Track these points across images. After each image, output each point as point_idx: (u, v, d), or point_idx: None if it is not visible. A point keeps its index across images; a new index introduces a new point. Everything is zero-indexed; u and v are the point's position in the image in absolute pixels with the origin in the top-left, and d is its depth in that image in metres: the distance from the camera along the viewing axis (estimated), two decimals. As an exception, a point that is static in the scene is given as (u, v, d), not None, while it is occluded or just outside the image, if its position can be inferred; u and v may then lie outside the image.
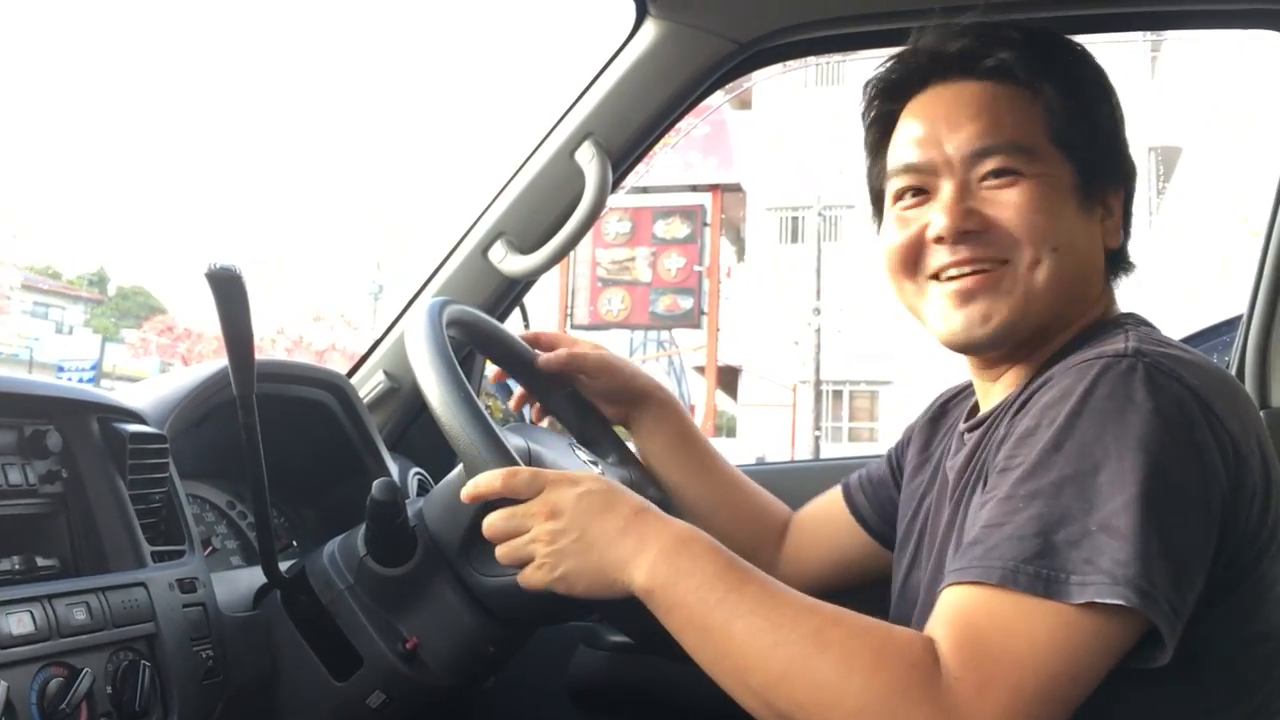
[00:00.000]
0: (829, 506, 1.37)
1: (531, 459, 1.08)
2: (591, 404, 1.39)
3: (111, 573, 0.97)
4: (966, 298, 1.02)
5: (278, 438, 1.10)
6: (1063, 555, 0.81)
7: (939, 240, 1.02)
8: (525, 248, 1.58)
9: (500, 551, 0.99)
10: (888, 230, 1.09)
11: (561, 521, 0.96)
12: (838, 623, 0.85)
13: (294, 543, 1.42)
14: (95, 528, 0.99)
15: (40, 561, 0.94)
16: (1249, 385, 1.57)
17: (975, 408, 1.14)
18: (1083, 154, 1.03)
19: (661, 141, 1.67)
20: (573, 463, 1.18)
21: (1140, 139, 15.42)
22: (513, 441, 1.04)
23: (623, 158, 1.57)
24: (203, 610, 1.04)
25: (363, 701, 1.14)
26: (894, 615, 1.18)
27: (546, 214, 1.57)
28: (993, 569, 0.82)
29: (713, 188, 10.13)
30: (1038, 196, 1.00)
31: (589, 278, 10.00)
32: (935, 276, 1.04)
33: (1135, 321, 1.02)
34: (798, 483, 1.56)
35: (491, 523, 0.99)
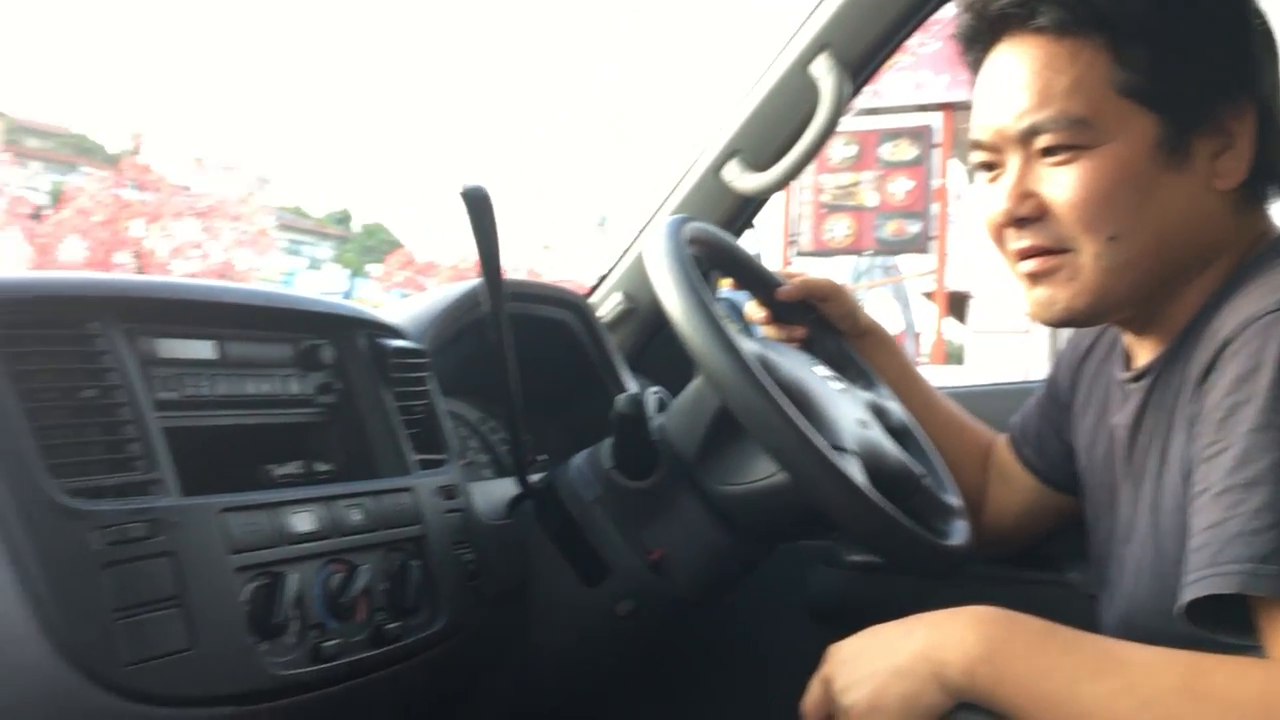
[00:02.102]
0: (1008, 452, 1.32)
1: (768, 367, 1.07)
2: (831, 327, 1.37)
3: (381, 478, 1.03)
4: (1034, 280, 0.96)
5: (522, 356, 1.14)
6: None
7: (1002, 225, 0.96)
8: (759, 165, 1.57)
9: None
10: (979, 205, 1.03)
11: (839, 673, 0.86)
12: (1202, 672, 0.75)
13: (540, 457, 1.48)
14: (365, 436, 1.05)
15: (318, 466, 1.01)
16: None
17: (1128, 353, 1.05)
18: (1171, 100, 0.90)
19: (891, 61, 1.62)
20: (811, 376, 1.17)
21: None
22: (749, 349, 1.04)
23: (858, 71, 1.53)
24: (463, 516, 1.09)
25: (611, 609, 1.17)
26: (1092, 562, 1.12)
27: (780, 130, 1.55)
28: (1231, 576, 0.75)
29: (943, 106, 9.70)
30: (1097, 176, 0.91)
31: (813, 204, 9.81)
32: (1013, 255, 0.98)
33: None
34: (1007, 405, 1.51)
35: None
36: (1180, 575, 0.81)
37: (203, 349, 0.94)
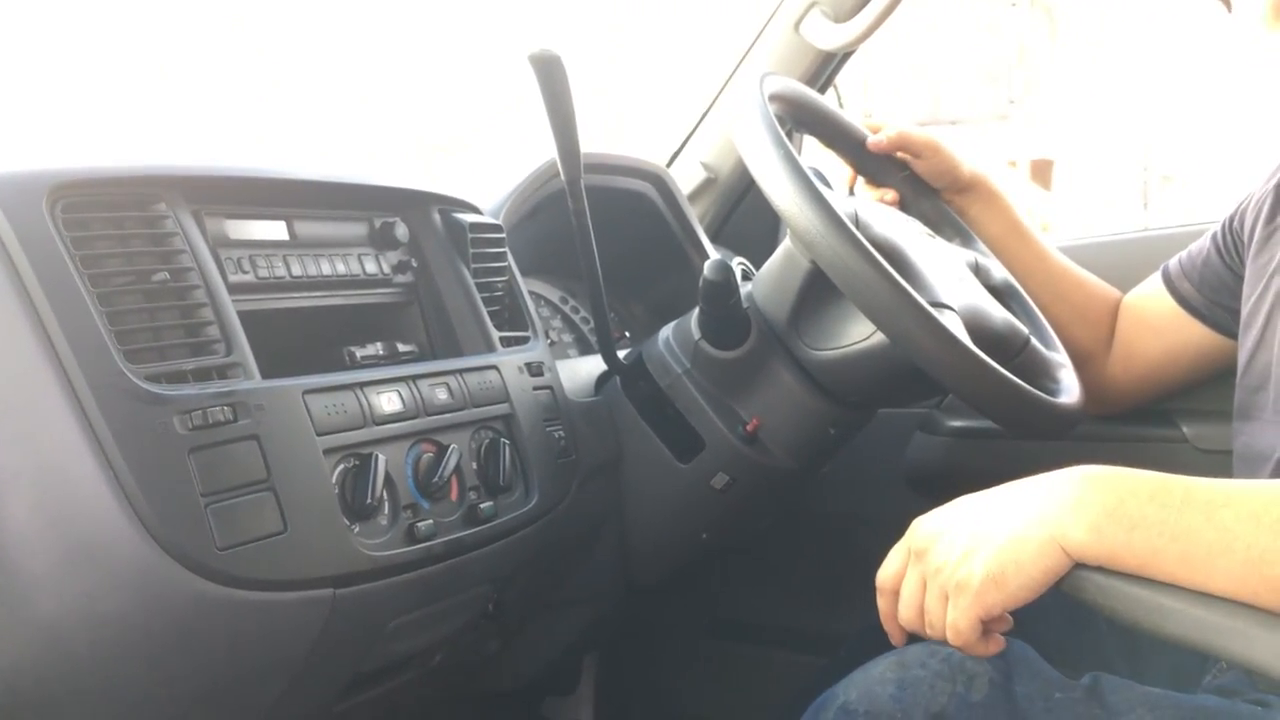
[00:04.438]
0: (1154, 295, 1.27)
1: (860, 224, 1.01)
2: (926, 183, 1.30)
3: (465, 357, 1.00)
4: None
5: (602, 231, 1.09)
6: None
7: None
8: (839, 16, 1.48)
9: (905, 616, 0.80)
10: None
11: (938, 546, 0.78)
12: None
13: (626, 333, 1.44)
14: (446, 314, 1.02)
15: (400, 347, 0.98)
16: None
17: None
18: None
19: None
20: (907, 232, 1.11)
21: None
22: (841, 206, 0.98)
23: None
24: (551, 393, 1.06)
25: (707, 483, 1.14)
26: (1239, 401, 1.08)
27: (863, -24, 1.45)
28: None
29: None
30: None
31: (888, 70, 9.52)
32: None
33: None
34: (1124, 256, 1.43)
35: (882, 595, 0.83)
36: None
37: (274, 229, 0.91)
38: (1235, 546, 0.70)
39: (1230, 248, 1.19)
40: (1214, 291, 1.21)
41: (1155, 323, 1.27)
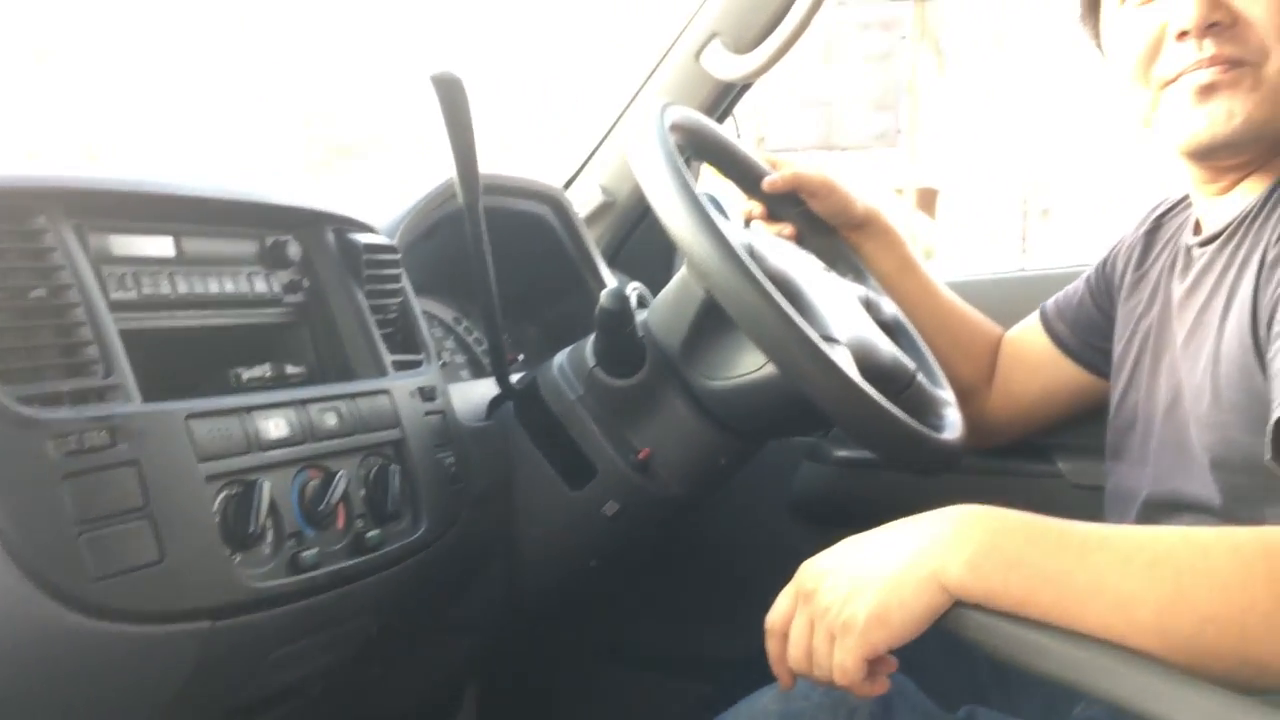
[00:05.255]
0: (1032, 333, 1.31)
1: (755, 256, 1.03)
2: (821, 220, 1.33)
3: (355, 380, 0.99)
4: (1207, 93, 0.93)
5: (499, 252, 1.09)
6: None
7: (1182, 36, 0.92)
8: (740, 48, 1.50)
9: (794, 658, 0.80)
10: (1118, 34, 0.99)
11: (823, 587, 0.79)
12: (1194, 532, 0.74)
13: (520, 356, 1.43)
14: (337, 336, 1.00)
15: (289, 369, 0.95)
16: None
17: (1198, 223, 1.06)
18: None
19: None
20: (800, 266, 1.13)
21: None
22: (735, 237, 0.99)
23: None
24: (443, 418, 1.05)
25: (598, 510, 1.14)
26: (1110, 441, 1.13)
27: (762, 11, 1.47)
28: None
29: (913, -5, 9.54)
30: None
31: (781, 98, 9.70)
32: (1172, 81, 0.95)
33: None
34: (1006, 294, 1.49)
35: (771, 638, 0.83)
36: (1241, 423, 0.85)
37: (160, 246, 0.88)
38: (1105, 589, 0.73)
39: (1102, 291, 1.24)
40: (1087, 333, 1.25)
41: (1032, 361, 1.31)
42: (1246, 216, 0.96)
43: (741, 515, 1.55)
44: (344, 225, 1.04)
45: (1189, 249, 1.05)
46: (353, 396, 0.94)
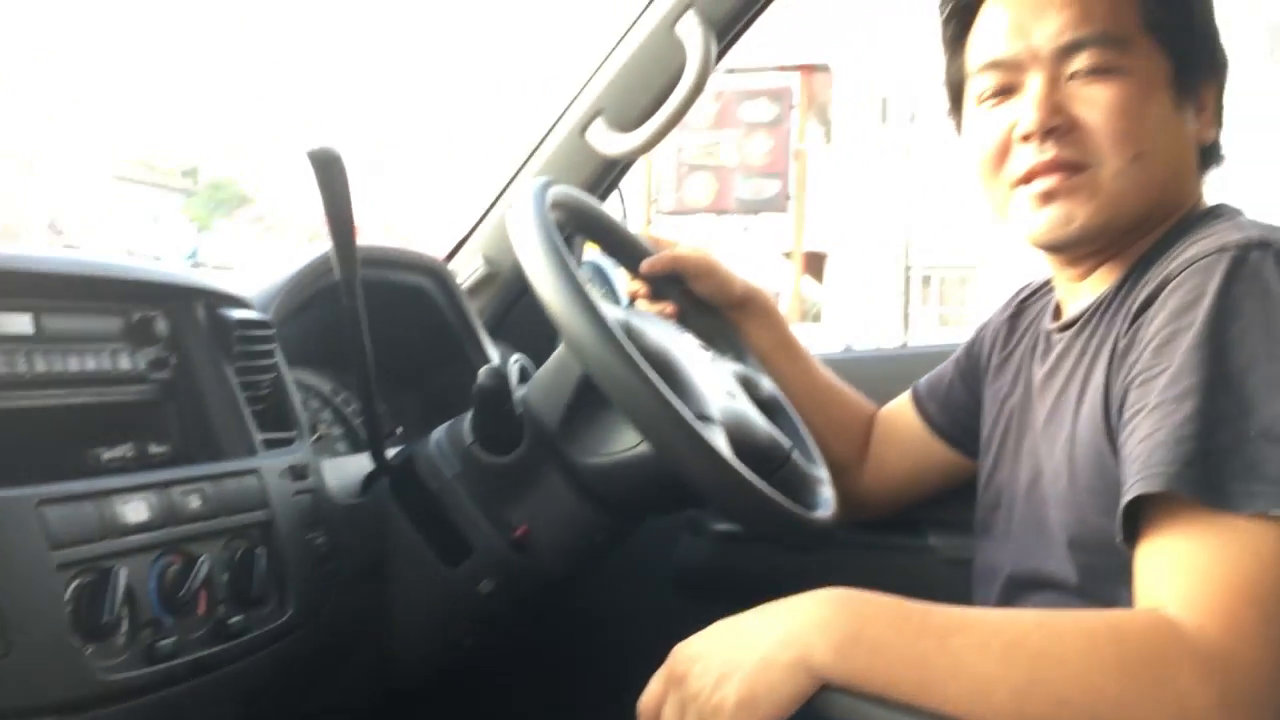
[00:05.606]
0: (904, 412, 1.35)
1: (632, 334, 1.04)
2: (701, 299, 1.35)
3: (223, 460, 0.96)
4: (1047, 199, 0.99)
5: (378, 324, 1.08)
6: (1223, 461, 0.77)
7: (1026, 138, 0.98)
8: (624, 126, 1.52)
9: None
10: (973, 132, 1.05)
11: (694, 671, 0.81)
12: (1050, 616, 0.80)
13: (398, 429, 1.42)
14: (205, 415, 0.98)
15: (152, 449, 0.93)
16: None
17: (1058, 307, 1.11)
18: (1178, 43, 0.98)
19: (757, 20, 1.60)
20: (678, 345, 1.14)
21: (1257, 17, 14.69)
22: (612, 315, 1.00)
23: (725, 30, 1.50)
24: (314, 497, 1.03)
25: (473, 588, 1.13)
26: (978, 518, 1.17)
27: (647, 90, 1.50)
28: (1155, 476, 0.78)
29: (801, 68, 9.83)
30: (1129, 96, 0.96)
31: (674, 163, 9.84)
32: (1021, 181, 1.00)
33: (1230, 212, 0.98)
34: (884, 371, 1.53)
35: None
36: (1095, 504, 0.89)
37: (18, 322, 0.85)
38: (963, 673, 0.75)
39: (970, 372, 1.28)
40: (956, 412, 1.29)
41: (904, 439, 1.34)
42: (1100, 304, 1.01)
43: (624, 588, 1.55)
44: (215, 300, 1.02)
45: (1049, 334, 1.09)
46: (219, 477, 0.92)
